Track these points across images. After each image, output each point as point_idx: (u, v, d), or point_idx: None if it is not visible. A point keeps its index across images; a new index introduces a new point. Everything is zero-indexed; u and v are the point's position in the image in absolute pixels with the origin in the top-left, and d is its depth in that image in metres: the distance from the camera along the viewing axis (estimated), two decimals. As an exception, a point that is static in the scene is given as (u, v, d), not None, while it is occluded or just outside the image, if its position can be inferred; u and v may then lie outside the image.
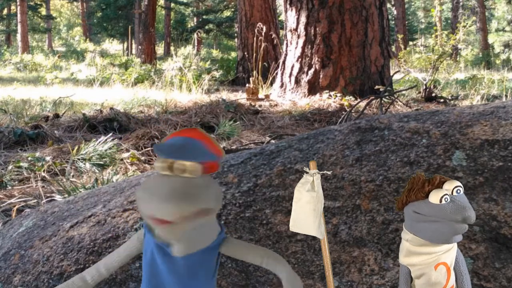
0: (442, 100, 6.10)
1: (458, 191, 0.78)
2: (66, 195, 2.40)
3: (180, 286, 0.73)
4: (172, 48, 24.17)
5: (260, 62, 7.46)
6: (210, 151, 0.71)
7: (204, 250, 0.72)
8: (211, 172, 0.72)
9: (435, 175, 0.81)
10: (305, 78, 6.31)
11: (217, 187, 0.72)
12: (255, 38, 8.43)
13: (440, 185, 0.79)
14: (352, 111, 4.62)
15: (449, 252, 0.81)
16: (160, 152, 0.68)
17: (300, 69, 6.37)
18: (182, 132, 0.72)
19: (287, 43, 6.67)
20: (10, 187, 2.73)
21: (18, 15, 22.14)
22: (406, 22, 24.10)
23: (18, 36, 22.29)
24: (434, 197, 0.78)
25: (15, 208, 2.23)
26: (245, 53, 9.99)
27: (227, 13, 25.74)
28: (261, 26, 7.99)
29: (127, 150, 3.60)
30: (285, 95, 6.51)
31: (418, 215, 0.80)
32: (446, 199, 0.77)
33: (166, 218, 0.66)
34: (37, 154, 3.35)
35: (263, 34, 7.77)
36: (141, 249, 0.76)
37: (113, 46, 27.86)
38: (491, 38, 22.43)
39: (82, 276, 0.76)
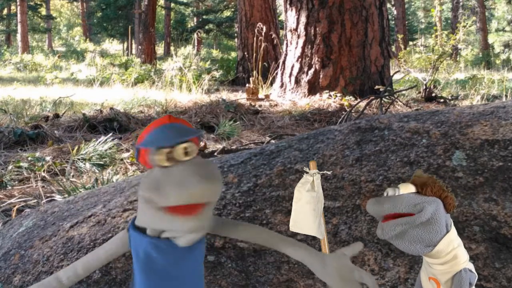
0: (442, 100, 6.10)
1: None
2: (66, 195, 2.40)
3: (183, 275, 0.73)
4: (172, 48, 24.17)
5: (260, 62, 7.45)
6: (192, 129, 0.72)
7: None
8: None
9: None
10: (305, 78, 6.31)
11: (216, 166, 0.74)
12: (255, 38, 8.43)
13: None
14: (352, 111, 4.62)
15: (438, 269, 0.78)
16: (151, 143, 0.68)
17: (300, 69, 6.37)
18: (156, 123, 0.72)
19: (287, 43, 6.67)
20: (10, 187, 2.73)
21: (18, 15, 22.13)
22: (406, 22, 24.10)
23: (18, 36, 22.28)
24: None
25: (15, 208, 2.23)
26: (245, 53, 9.99)
27: (227, 13, 25.73)
28: (261, 26, 7.99)
29: (127, 150, 3.60)
30: (285, 95, 6.51)
31: None
32: None
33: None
34: (37, 154, 3.35)
35: (263, 34, 7.76)
36: (124, 251, 0.76)
37: (113, 46, 27.85)
38: (491, 38, 22.42)
39: (57, 276, 0.74)
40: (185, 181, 0.65)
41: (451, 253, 0.76)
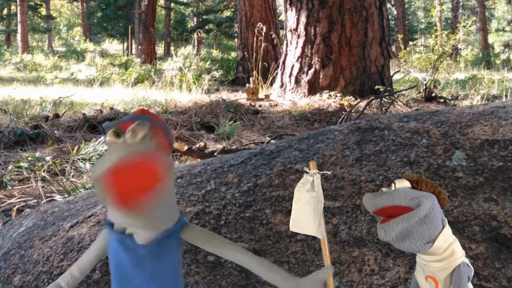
0: (442, 100, 6.10)
1: None
2: (66, 195, 2.40)
3: (145, 277, 0.72)
4: (172, 48, 24.16)
5: (260, 62, 7.45)
6: (156, 120, 0.71)
7: (166, 236, 0.71)
8: (163, 146, 0.71)
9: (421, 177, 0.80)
10: (305, 78, 6.31)
11: (171, 161, 0.70)
12: (255, 38, 8.43)
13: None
14: (352, 111, 4.62)
15: (435, 266, 0.78)
16: (108, 126, 0.69)
17: (300, 69, 6.37)
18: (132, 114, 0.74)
19: (287, 43, 6.67)
20: (10, 187, 2.73)
21: (18, 15, 22.13)
22: (406, 22, 24.09)
23: (18, 36, 22.27)
24: None
25: (15, 208, 2.23)
26: (245, 53, 9.99)
27: (227, 13, 25.73)
28: (261, 26, 7.99)
29: (127, 150, 3.59)
30: (285, 95, 6.51)
31: None
32: None
33: None
34: (37, 154, 3.35)
35: (263, 34, 7.76)
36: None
37: (113, 46, 27.84)
38: (491, 38, 22.42)
39: (57, 283, 0.76)
40: (104, 159, 0.65)
41: (449, 249, 0.76)
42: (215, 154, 3.14)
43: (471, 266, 0.79)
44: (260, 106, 5.94)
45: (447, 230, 0.77)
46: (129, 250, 0.71)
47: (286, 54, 6.66)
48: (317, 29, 6.23)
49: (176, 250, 0.74)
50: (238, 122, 4.75)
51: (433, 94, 6.23)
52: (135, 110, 0.74)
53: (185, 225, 0.75)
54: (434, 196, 0.77)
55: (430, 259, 0.77)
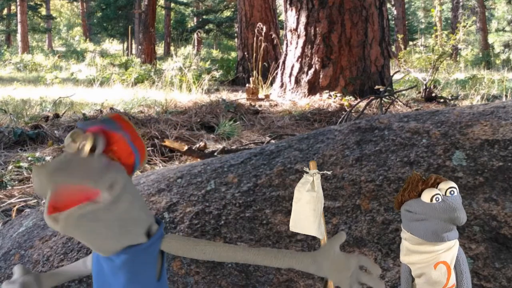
0: (442, 100, 6.10)
1: (452, 192, 0.79)
2: (66, 195, 2.40)
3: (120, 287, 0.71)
4: (172, 48, 24.16)
5: (260, 62, 7.45)
6: (118, 125, 0.66)
7: (141, 249, 0.69)
8: (122, 158, 0.67)
9: (431, 174, 0.81)
10: (305, 78, 6.31)
11: (116, 174, 0.65)
12: (255, 38, 8.43)
13: (435, 185, 0.80)
14: (352, 111, 4.62)
15: (450, 251, 0.81)
16: (81, 126, 0.67)
17: (300, 69, 6.37)
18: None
19: (287, 43, 6.67)
20: (10, 187, 2.73)
21: (18, 15, 22.13)
22: (406, 22, 24.09)
23: (18, 36, 22.28)
24: (426, 196, 0.78)
25: (15, 208, 2.23)
26: (245, 53, 9.99)
27: (227, 13, 25.73)
28: (261, 26, 7.99)
29: (127, 150, 3.59)
30: (285, 95, 6.51)
31: (410, 213, 0.80)
32: (437, 199, 0.78)
33: (36, 191, 0.63)
34: (37, 154, 3.35)
35: (263, 34, 7.76)
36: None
37: (113, 46, 27.84)
38: (491, 38, 22.41)
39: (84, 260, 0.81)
40: None
41: None
42: (215, 154, 3.14)
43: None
44: (260, 106, 5.94)
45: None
46: (107, 259, 0.70)
47: (286, 54, 6.66)
48: (317, 29, 6.23)
49: (153, 263, 0.71)
50: (238, 122, 4.75)
51: (433, 94, 6.23)
52: (107, 115, 0.68)
53: (163, 236, 0.71)
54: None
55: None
